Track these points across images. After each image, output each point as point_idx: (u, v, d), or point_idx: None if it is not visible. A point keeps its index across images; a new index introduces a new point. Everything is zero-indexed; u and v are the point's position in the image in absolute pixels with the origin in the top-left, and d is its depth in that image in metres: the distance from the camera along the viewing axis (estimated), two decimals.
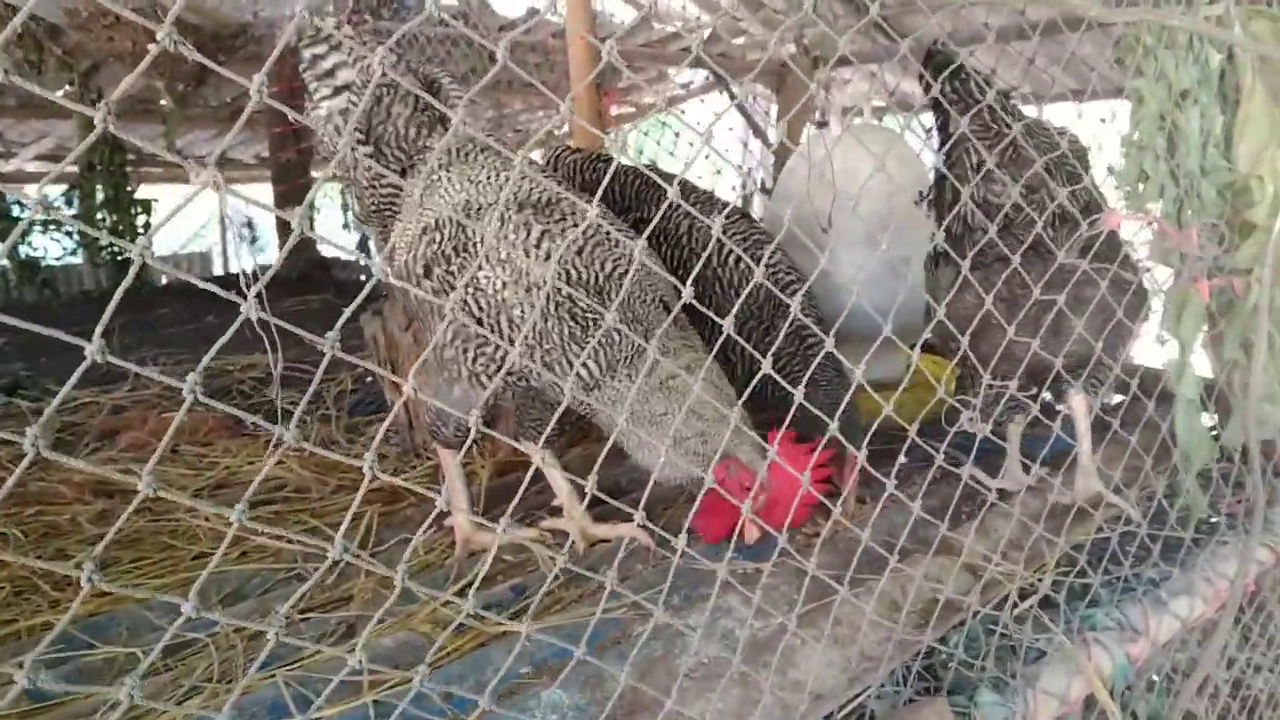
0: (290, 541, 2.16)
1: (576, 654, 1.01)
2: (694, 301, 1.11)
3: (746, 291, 1.30)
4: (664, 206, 1.16)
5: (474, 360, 1.95)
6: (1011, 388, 1.50)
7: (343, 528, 0.88)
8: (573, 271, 1.89)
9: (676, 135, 4.86)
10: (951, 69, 1.92)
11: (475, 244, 1.91)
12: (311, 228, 2.03)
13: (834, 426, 1.32)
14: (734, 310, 1.23)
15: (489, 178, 2.02)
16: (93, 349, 0.70)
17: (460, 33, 4.80)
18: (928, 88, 2.01)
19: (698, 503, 1.30)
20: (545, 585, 1.45)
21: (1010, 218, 1.85)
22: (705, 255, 1.81)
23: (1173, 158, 2.08)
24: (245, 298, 0.77)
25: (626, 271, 1.94)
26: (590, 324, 1.87)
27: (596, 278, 1.90)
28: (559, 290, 1.84)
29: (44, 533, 2.32)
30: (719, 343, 1.40)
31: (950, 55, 2.02)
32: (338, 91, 2.07)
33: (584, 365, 1.88)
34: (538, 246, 1.88)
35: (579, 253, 1.91)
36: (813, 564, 1.22)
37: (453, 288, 1.93)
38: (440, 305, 2.00)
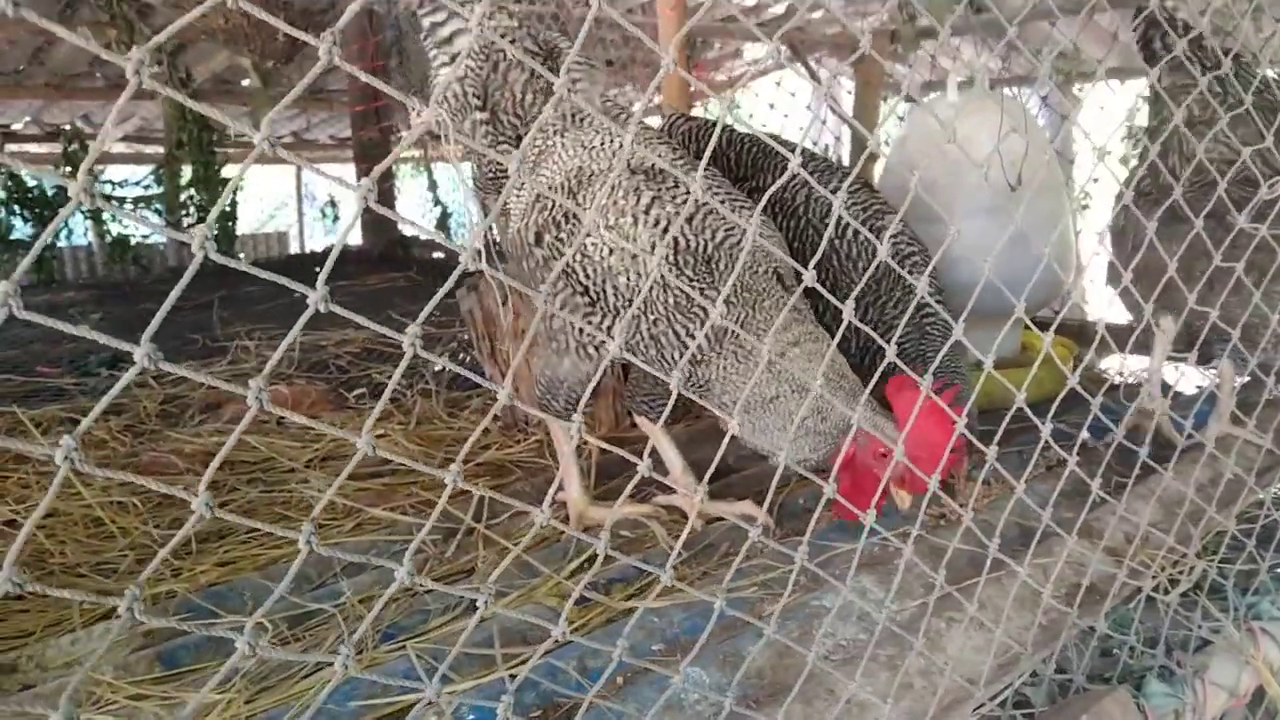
0: (404, 512, 2.16)
1: (767, 631, 0.96)
2: (816, 285, 1.05)
3: (872, 268, 1.23)
4: (783, 176, 1.09)
5: (581, 330, 1.90)
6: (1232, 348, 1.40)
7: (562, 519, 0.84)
8: (680, 239, 1.83)
9: (772, 105, 4.77)
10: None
11: (586, 210, 1.87)
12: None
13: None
14: (855, 292, 1.16)
15: (603, 143, 1.97)
16: (316, 297, 0.66)
17: (548, 10, 4.76)
18: (1143, 42, 1.99)
19: (829, 486, 1.11)
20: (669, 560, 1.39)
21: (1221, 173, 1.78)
22: (824, 227, 1.74)
23: None
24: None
25: (738, 241, 1.88)
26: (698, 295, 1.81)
27: (705, 246, 1.84)
28: (665, 258, 1.79)
29: (158, 503, 2.34)
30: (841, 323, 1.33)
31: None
32: (455, 59, 2.03)
33: (690, 337, 1.82)
34: (646, 213, 1.83)
35: (689, 220, 1.85)
36: (995, 544, 1.15)
37: (562, 255, 1.88)
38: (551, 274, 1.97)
